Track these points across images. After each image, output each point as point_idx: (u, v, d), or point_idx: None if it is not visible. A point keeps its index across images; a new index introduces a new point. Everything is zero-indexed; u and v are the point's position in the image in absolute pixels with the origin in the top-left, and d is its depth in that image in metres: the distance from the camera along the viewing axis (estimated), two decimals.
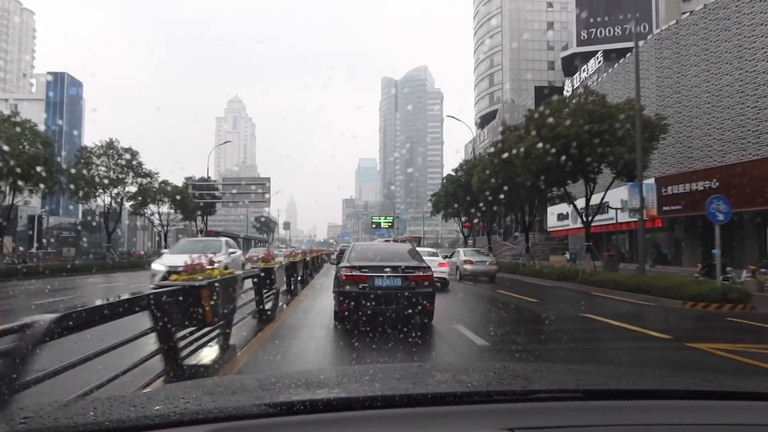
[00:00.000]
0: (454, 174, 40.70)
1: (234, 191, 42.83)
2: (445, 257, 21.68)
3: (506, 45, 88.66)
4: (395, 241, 79.32)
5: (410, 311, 8.36)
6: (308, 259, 20.03)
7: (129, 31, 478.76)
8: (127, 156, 34.01)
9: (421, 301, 8.31)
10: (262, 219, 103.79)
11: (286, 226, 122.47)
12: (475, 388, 1.45)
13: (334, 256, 35.62)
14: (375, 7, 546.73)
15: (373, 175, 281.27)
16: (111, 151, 33.52)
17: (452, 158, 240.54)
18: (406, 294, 8.24)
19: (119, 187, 34.19)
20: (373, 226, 76.36)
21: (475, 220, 41.63)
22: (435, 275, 12.44)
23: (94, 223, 57.80)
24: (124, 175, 34.05)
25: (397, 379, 1.70)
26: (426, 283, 8.49)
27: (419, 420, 1.20)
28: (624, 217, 26.51)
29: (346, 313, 8.34)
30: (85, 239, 53.97)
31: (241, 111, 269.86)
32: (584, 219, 22.42)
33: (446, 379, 1.80)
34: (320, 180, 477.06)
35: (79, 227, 60.86)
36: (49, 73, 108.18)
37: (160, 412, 1.15)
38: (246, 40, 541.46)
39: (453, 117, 76.81)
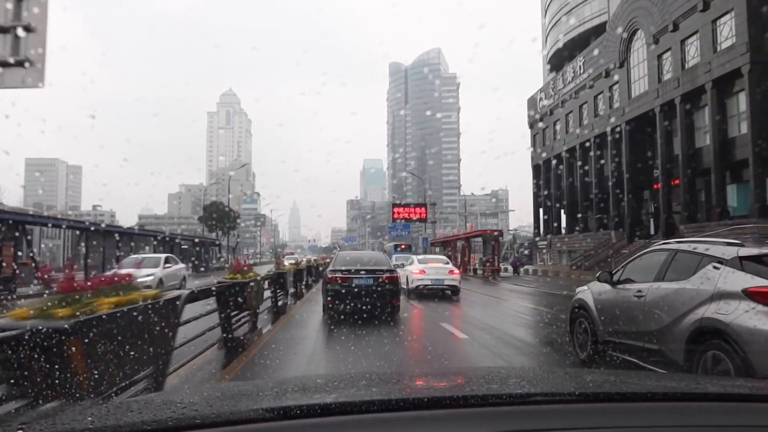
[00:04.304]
0: None
1: None
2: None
3: None
4: (434, 244, 50.26)
5: (380, 304, 10.95)
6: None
7: (115, 35, 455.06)
8: None
9: (389, 295, 11.11)
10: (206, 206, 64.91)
11: (259, 219, 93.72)
12: (471, 391, 1.45)
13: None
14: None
15: (379, 177, 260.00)
16: None
17: (467, 148, 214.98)
18: (377, 291, 10.90)
19: None
20: (395, 217, 47.64)
21: None
22: (445, 283, 16.65)
23: None
24: None
25: (394, 384, 1.73)
26: (392, 283, 11.23)
27: (416, 423, 1.19)
28: None
29: (332, 306, 10.91)
30: None
31: (235, 105, 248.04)
32: None
33: (443, 382, 1.83)
34: (323, 184, 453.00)
35: None
36: None
37: (157, 417, 1.16)
38: (244, 40, 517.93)
39: None
